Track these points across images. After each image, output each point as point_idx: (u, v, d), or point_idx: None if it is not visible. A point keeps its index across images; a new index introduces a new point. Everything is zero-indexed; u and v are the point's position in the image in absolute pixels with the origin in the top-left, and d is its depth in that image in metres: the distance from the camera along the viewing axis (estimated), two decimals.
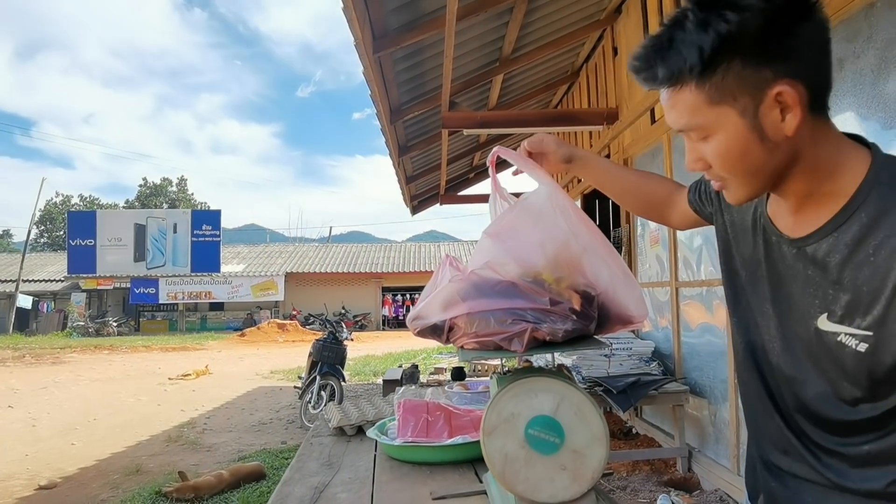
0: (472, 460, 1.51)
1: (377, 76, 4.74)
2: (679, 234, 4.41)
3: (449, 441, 1.54)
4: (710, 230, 3.84)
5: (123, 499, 4.22)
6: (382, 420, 1.83)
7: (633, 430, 5.26)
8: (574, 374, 4.04)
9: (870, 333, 0.73)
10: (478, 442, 1.48)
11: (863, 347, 0.74)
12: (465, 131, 5.89)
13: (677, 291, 4.44)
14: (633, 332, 5.22)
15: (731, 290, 1.02)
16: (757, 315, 0.94)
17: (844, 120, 2.77)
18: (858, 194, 0.76)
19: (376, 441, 1.73)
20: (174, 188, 48.24)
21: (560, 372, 1.24)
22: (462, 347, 1.15)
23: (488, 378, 1.87)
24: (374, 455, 1.65)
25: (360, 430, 1.93)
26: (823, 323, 0.79)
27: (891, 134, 2.58)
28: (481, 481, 1.36)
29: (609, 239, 6.11)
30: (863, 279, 0.73)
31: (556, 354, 1.68)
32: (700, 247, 4.09)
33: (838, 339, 0.77)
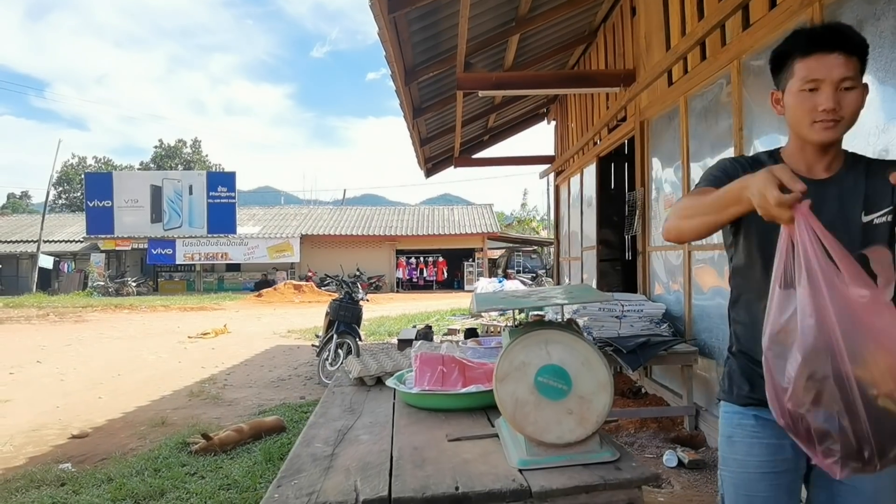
0: (484, 408, 1.61)
1: (392, 37, 4.73)
2: None
3: (463, 389, 1.63)
4: None
5: (152, 448, 4.42)
6: (400, 371, 1.93)
7: (643, 390, 5.37)
8: (585, 334, 4.13)
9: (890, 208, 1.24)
10: (490, 391, 1.57)
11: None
12: (481, 93, 5.87)
13: (690, 255, 4.48)
14: (644, 294, 5.29)
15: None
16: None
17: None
18: (847, 153, 1.33)
19: (394, 390, 1.84)
20: (189, 150, 48.34)
21: (569, 325, 1.32)
22: None
23: (499, 336, 1.96)
24: (393, 403, 1.75)
25: (378, 381, 2.03)
26: (865, 217, 1.25)
27: None
28: (493, 426, 1.46)
29: (624, 203, 6.11)
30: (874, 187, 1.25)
31: (564, 309, 1.76)
32: None
33: (874, 222, 1.24)
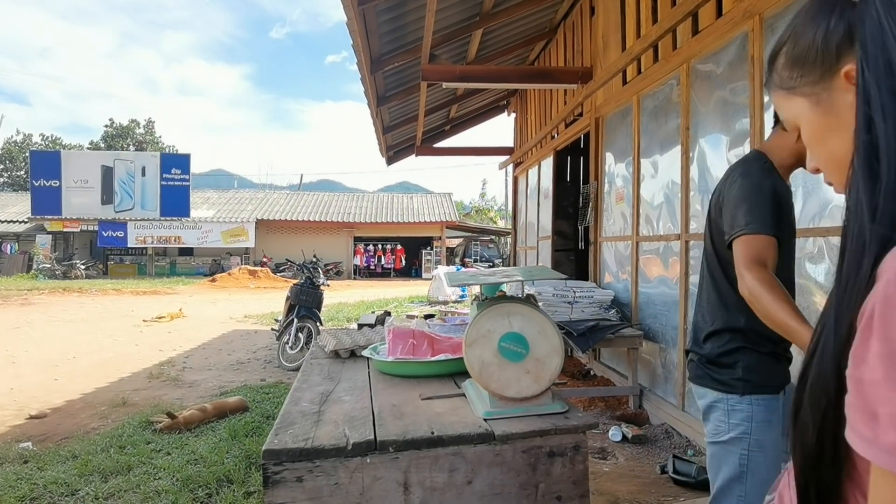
0: (451, 374, 1.80)
1: (360, 27, 4.85)
2: (642, 192, 4.72)
3: (433, 358, 1.82)
4: (672, 192, 4.13)
5: (115, 427, 4.47)
6: (373, 344, 2.11)
7: (592, 372, 5.68)
8: None
9: None
10: (456, 359, 1.77)
11: None
12: (444, 84, 6.04)
13: (637, 245, 4.78)
14: (595, 281, 5.58)
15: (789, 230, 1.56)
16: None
17: None
18: None
19: (369, 360, 2.01)
20: (141, 130, 46.84)
21: (528, 300, 1.52)
22: None
23: (459, 317, 2.14)
24: (368, 372, 1.93)
25: (352, 355, 2.20)
26: None
27: None
28: (459, 388, 1.65)
29: (578, 195, 6.38)
30: None
31: (525, 286, 1.96)
32: (661, 205, 4.40)
33: None
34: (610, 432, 4.00)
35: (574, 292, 4.75)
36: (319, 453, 1.21)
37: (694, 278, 3.90)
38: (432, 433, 1.26)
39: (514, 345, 1.40)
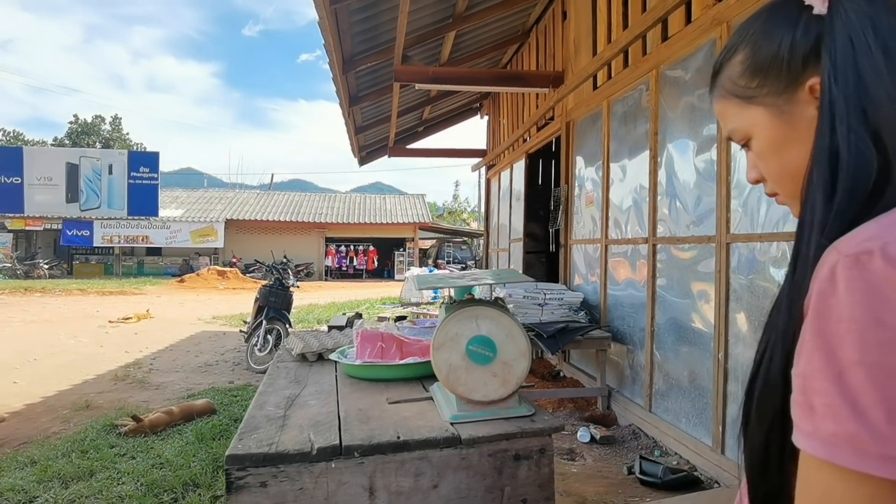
0: (419, 377, 1.80)
1: (332, 26, 4.82)
2: (611, 196, 4.77)
3: (401, 361, 1.82)
4: (640, 196, 4.19)
5: (77, 431, 4.36)
6: (341, 347, 2.10)
7: (561, 373, 5.73)
8: None
9: None
10: (425, 362, 1.77)
11: None
12: (417, 85, 6.03)
13: (606, 248, 4.83)
14: (565, 284, 5.63)
15: None
16: None
17: None
18: None
19: (336, 364, 2.00)
20: (108, 126, 45.80)
21: (496, 303, 1.52)
22: None
23: (430, 319, 2.13)
24: (335, 375, 1.91)
25: (319, 358, 2.18)
26: None
27: None
28: (427, 391, 1.65)
29: (550, 198, 6.44)
30: None
31: (493, 289, 1.97)
32: (629, 209, 4.46)
33: None
34: (578, 433, 4.04)
35: (545, 294, 4.79)
36: (284, 458, 1.19)
37: (661, 281, 3.96)
38: (398, 438, 1.25)
39: (481, 348, 1.40)
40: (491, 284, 1.45)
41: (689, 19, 3.76)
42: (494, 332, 1.41)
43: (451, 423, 1.35)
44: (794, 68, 0.61)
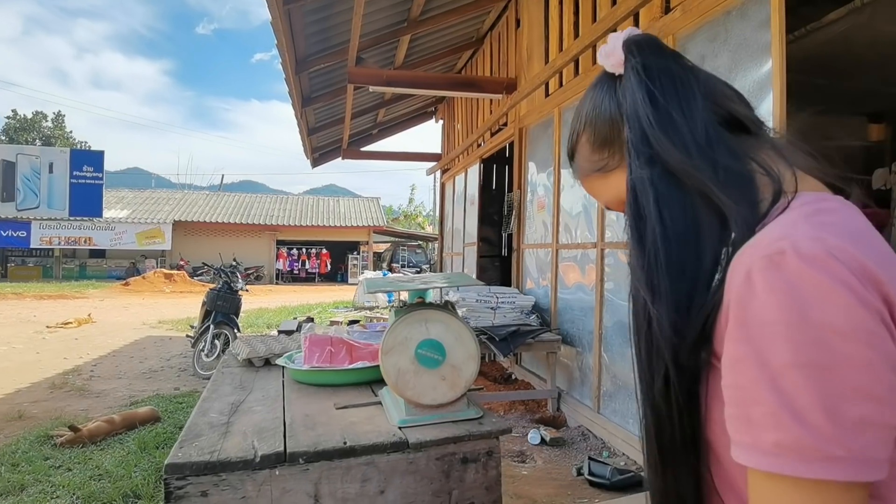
0: (369, 382, 1.78)
1: (285, 27, 4.76)
2: (562, 201, 4.85)
3: (350, 365, 1.80)
4: (589, 202, 4.25)
5: (7, 443, 4.15)
6: (289, 352, 2.06)
7: (513, 376, 5.78)
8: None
9: None
10: (374, 367, 1.75)
11: None
12: (371, 88, 6.00)
13: (557, 253, 4.91)
14: (517, 287, 5.68)
15: None
16: None
17: None
18: None
19: (283, 369, 1.96)
20: (49, 124, 43.83)
21: (445, 306, 1.52)
22: None
23: (383, 322, 2.13)
24: (282, 381, 1.88)
25: (266, 363, 2.14)
26: None
27: None
28: (377, 395, 1.64)
29: (503, 202, 6.49)
30: None
31: (443, 292, 1.97)
32: (579, 214, 4.54)
33: None
34: (529, 435, 4.08)
35: (497, 298, 4.82)
36: (226, 466, 1.16)
37: (609, 285, 4.05)
38: (344, 443, 1.24)
39: (430, 352, 1.40)
40: (441, 288, 1.45)
41: None
42: (444, 335, 1.41)
43: (400, 428, 1.34)
44: (622, 129, 0.67)
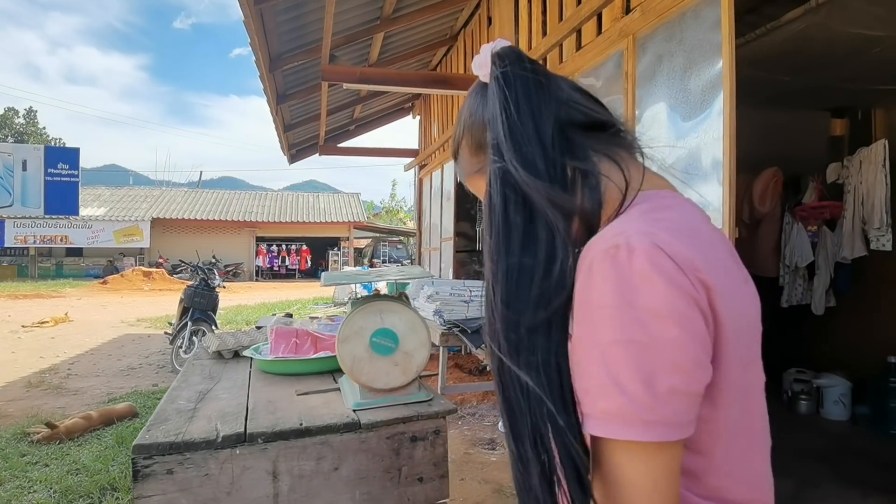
0: (331, 371, 1.88)
1: (258, 26, 4.81)
2: None
3: (313, 355, 1.89)
4: None
5: None
6: (257, 344, 2.15)
7: (487, 368, 5.90)
8: (437, 318, 4.52)
9: None
10: (335, 356, 1.85)
11: None
12: (345, 85, 6.06)
13: None
14: None
15: None
16: None
17: (657, 111, 3.35)
18: None
19: (251, 360, 2.05)
20: (22, 120, 43.12)
21: (400, 298, 1.62)
22: None
23: None
24: (250, 371, 1.97)
25: (235, 355, 2.23)
26: None
27: (691, 123, 3.19)
28: (336, 382, 1.73)
29: (477, 198, 6.63)
30: None
31: (396, 284, 2.07)
32: None
33: None
34: (499, 424, 4.20)
35: (470, 291, 4.92)
36: (190, 446, 1.25)
37: None
38: (301, 424, 1.33)
39: (384, 340, 1.50)
40: (395, 281, 1.55)
41: (599, 30, 3.97)
42: (397, 324, 1.51)
43: (354, 410, 1.44)
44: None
